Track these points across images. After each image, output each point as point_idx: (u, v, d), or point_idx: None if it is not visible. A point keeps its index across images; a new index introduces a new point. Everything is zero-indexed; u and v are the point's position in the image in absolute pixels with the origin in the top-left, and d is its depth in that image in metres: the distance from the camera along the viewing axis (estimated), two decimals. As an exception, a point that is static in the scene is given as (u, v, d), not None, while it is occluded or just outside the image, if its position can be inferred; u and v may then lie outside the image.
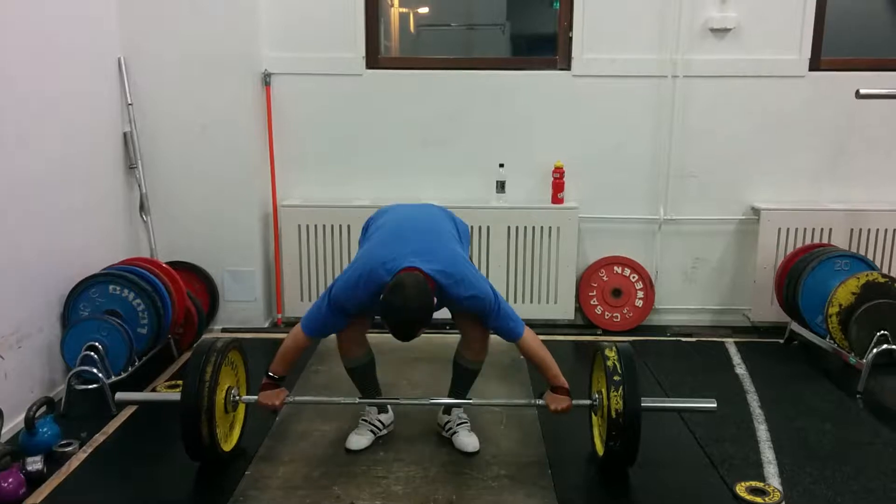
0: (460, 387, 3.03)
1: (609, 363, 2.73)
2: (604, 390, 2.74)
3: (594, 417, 2.98)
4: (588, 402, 2.87)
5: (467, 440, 2.96)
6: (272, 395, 2.81)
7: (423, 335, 3.06)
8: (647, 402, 2.71)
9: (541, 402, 2.84)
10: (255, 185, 4.36)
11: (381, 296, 2.52)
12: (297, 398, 3.02)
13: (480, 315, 2.72)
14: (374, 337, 3.04)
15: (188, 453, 2.74)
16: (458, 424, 3.02)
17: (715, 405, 2.87)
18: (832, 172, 4.46)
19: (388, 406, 3.13)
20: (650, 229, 4.56)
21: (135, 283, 3.49)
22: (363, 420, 3.04)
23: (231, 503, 2.61)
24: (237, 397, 2.89)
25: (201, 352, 2.77)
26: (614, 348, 2.79)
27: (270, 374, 2.83)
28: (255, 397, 2.84)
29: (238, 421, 3.00)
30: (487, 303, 2.67)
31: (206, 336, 2.72)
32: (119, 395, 2.96)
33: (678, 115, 4.38)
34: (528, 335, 2.76)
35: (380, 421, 3.05)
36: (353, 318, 2.83)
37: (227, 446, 2.86)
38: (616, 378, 2.68)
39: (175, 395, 2.75)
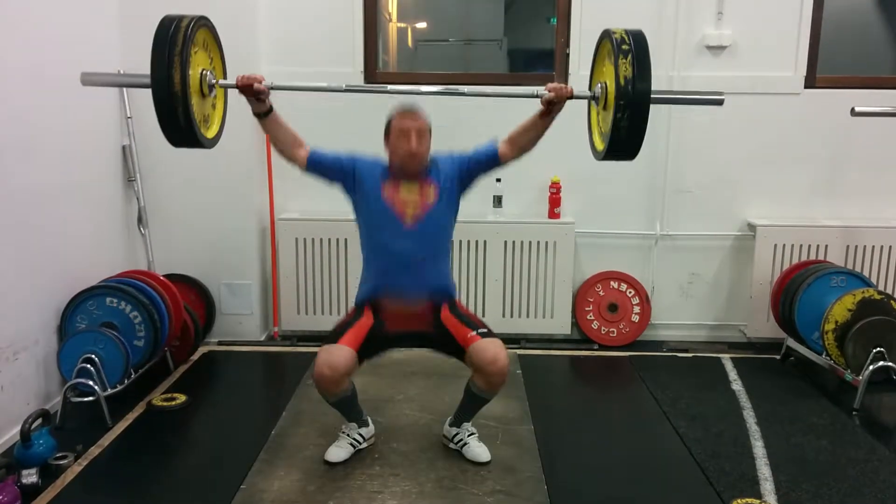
0: (468, 411, 3.04)
1: (616, 36, 2.48)
2: (609, 80, 2.52)
3: (593, 111, 2.81)
4: (588, 93, 2.70)
5: (479, 450, 2.98)
6: (251, 76, 2.69)
7: (419, 350, 3.06)
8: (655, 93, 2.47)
9: (542, 90, 2.74)
10: (253, 199, 4.37)
11: None
12: (277, 84, 2.80)
13: (465, 159, 2.96)
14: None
15: (167, 136, 2.56)
16: (468, 435, 3.03)
17: (723, 97, 2.66)
18: (828, 189, 4.49)
19: (369, 420, 3.13)
20: (646, 244, 4.57)
21: (132, 295, 3.49)
22: (343, 433, 3.04)
23: (226, 517, 2.60)
24: (213, 80, 2.66)
25: (166, 26, 2.47)
26: (621, 29, 2.52)
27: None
28: (233, 82, 2.69)
29: (218, 110, 2.81)
30: (456, 155, 2.96)
31: (168, 15, 2.46)
32: (84, 76, 2.73)
33: (674, 131, 4.41)
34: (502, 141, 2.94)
35: (360, 435, 3.05)
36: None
37: (209, 133, 2.71)
38: (625, 47, 2.43)
39: (145, 78, 2.49)
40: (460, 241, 4.37)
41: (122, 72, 4.04)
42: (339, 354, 2.80)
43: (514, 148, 2.94)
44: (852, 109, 3.87)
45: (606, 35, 2.58)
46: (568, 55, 4.39)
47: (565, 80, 4.41)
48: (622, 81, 2.41)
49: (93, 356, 3.29)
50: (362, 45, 4.41)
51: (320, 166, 2.95)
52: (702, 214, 4.53)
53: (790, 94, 4.38)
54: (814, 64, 4.38)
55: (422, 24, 6.23)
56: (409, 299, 2.93)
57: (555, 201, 4.43)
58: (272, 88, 2.78)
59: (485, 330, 2.90)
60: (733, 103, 4.36)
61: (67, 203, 3.55)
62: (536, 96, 2.76)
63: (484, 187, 4.41)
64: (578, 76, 4.38)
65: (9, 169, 3.11)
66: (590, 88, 2.75)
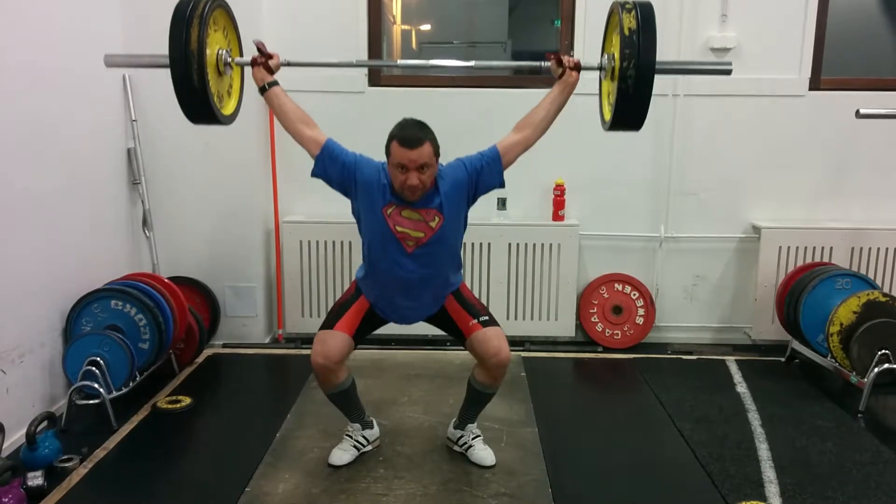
0: (472, 410, 3.04)
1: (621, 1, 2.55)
2: (616, 51, 2.54)
3: (604, 85, 2.86)
4: (596, 65, 2.77)
5: (484, 454, 2.98)
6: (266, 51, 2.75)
7: (423, 352, 3.06)
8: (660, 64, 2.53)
9: (547, 64, 2.80)
10: (257, 201, 4.38)
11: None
12: (293, 61, 2.90)
13: (471, 170, 2.81)
14: (374, 353, 3.04)
15: (185, 112, 2.62)
16: (472, 438, 3.03)
17: (731, 67, 2.78)
18: (833, 191, 4.48)
19: (374, 423, 3.13)
20: (651, 247, 4.57)
21: (137, 298, 3.50)
22: (347, 435, 3.04)
23: (231, 520, 2.61)
24: (230, 59, 2.75)
25: (184, 6, 2.54)
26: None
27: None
28: (248, 59, 2.77)
29: (235, 88, 2.88)
30: (460, 163, 2.81)
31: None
32: (107, 58, 2.86)
33: (679, 133, 4.40)
34: (506, 138, 2.83)
35: (364, 437, 3.05)
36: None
37: (227, 110, 2.77)
38: (628, 6, 2.50)
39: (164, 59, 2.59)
40: (464, 244, 4.36)
41: (128, 79, 4.07)
42: (333, 343, 2.79)
43: (526, 131, 2.82)
44: (857, 111, 3.86)
45: (613, 5, 2.63)
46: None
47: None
48: (626, 32, 2.45)
49: (98, 359, 3.30)
50: (366, 48, 4.41)
51: (331, 161, 2.77)
52: (706, 217, 4.52)
53: (795, 96, 4.37)
54: (818, 66, 4.37)
55: (426, 27, 6.24)
56: (409, 314, 2.94)
57: (559, 203, 4.43)
58: (286, 65, 2.86)
59: (486, 318, 2.87)
60: (737, 106, 4.38)
61: (72, 206, 3.56)
62: (540, 71, 2.83)
63: (488, 190, 4.44)
64: (583, 78, 4.35)
65: (14, 171, 3.12)
66: (599, 61, 2.81)
